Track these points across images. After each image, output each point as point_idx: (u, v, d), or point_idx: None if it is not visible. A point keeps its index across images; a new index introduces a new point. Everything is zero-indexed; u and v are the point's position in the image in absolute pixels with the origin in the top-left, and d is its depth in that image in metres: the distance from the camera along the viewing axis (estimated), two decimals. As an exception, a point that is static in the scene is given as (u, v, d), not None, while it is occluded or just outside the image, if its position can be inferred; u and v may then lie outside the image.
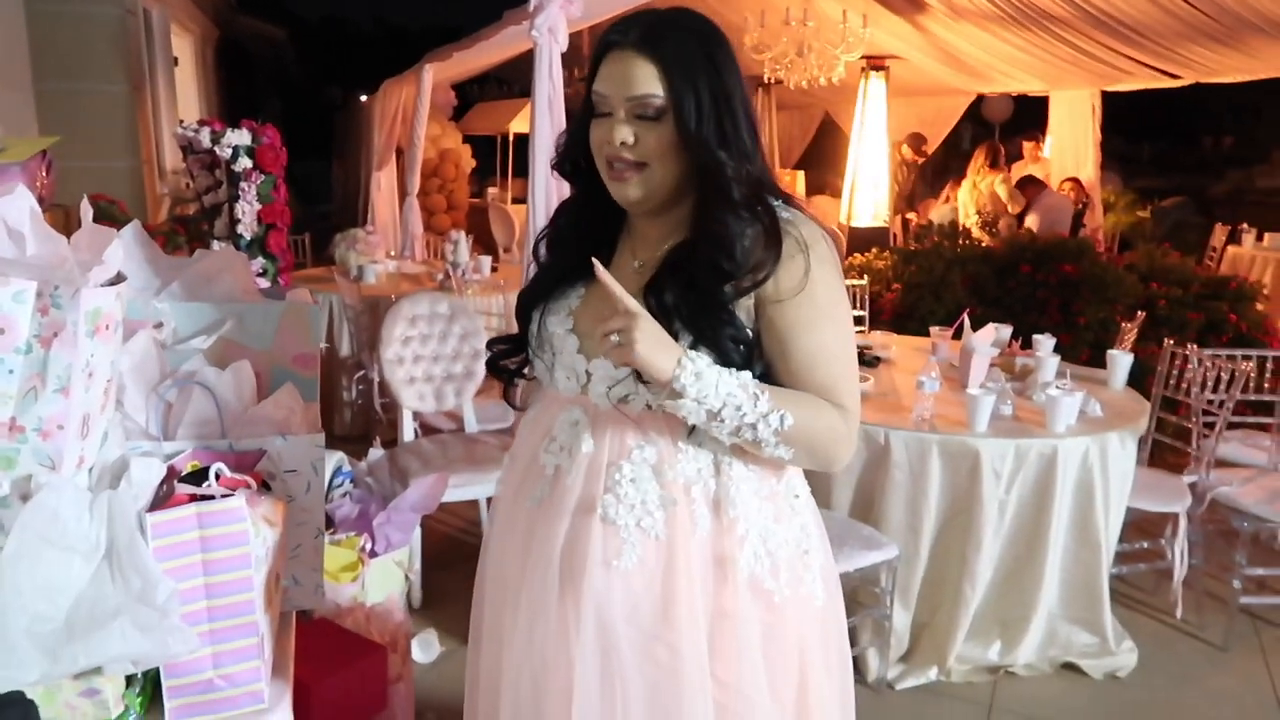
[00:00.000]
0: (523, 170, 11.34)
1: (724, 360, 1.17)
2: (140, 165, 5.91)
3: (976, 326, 3.20)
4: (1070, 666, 2.79)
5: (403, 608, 2.35)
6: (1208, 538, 3.20)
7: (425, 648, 2.70)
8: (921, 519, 2.68)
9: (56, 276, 1.09)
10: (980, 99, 9.49)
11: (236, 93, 12.15)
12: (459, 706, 2.61)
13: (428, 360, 3.27)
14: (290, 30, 15.95)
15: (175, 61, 7.61)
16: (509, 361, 1.39)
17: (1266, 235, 7.86)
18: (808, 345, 1.19)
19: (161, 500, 1.25)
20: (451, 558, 3.43)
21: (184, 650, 1.12)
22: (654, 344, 1.12)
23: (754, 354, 1.20)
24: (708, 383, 1.13)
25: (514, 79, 15.14)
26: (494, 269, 5.39)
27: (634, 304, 1.13)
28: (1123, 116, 8.38)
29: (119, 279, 1.20)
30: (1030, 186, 7.24)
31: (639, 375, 1.19)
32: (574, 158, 1.29)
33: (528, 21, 3.45)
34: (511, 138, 10.49)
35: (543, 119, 3.45)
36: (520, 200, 10.54)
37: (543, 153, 3.47)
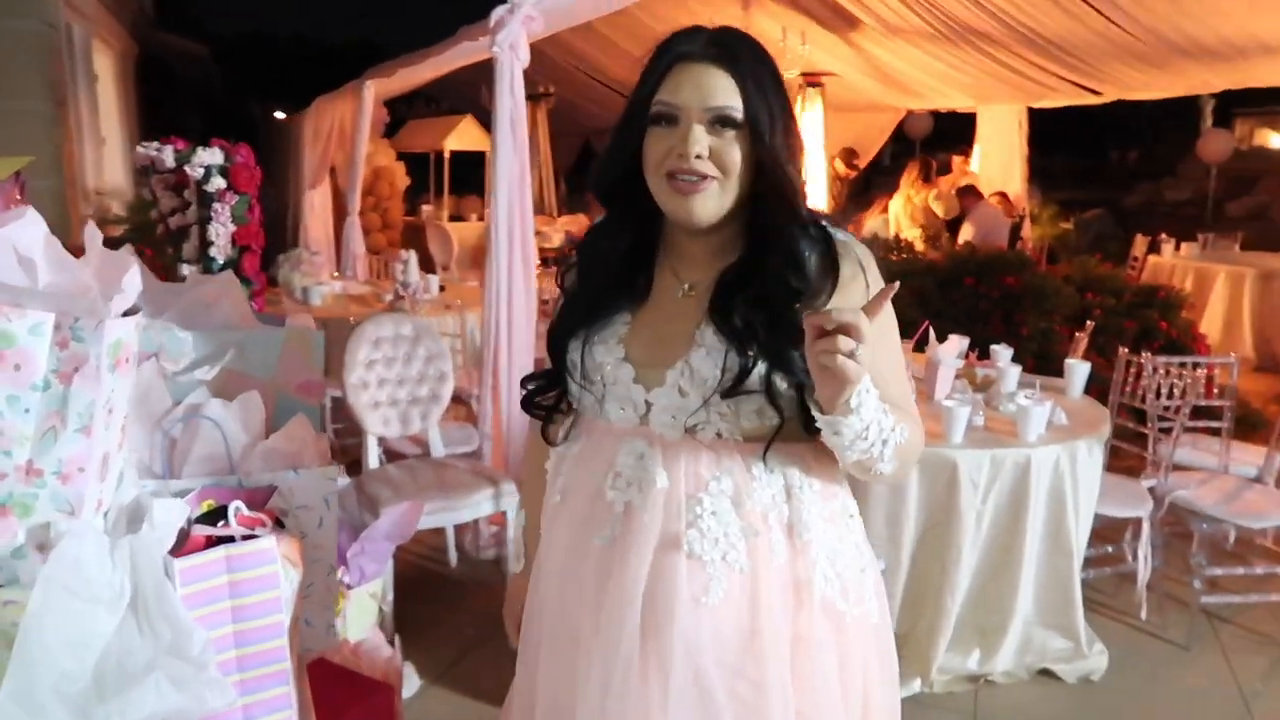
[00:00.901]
0: (462, 187, 11.24)
1: (799, 383, 1.16)
2: (63, 186, 5.65)
3: (924, 338, 3.26)
4: (1046, 672, 2.84)
5: (389, 643, 2.27)
6: (1166, 540, 3.30)
7: (406, 682, 2.61)
8: (902, 531, 2.71)
9: (78, 307, 1.02)
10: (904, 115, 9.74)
11: (157, 110, 11.76)
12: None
13: (393, 384, 3.18)
14: (212, 46, 15.51)
15: (94, 79, 7.32)
16: (545, 398, 1.34)
17: (1184, 245, 8.21)
18: (878, 366, 1.18)
19: (179, 544, 1.18)
20: (419, 587, 3.33)
21: (222, 704, 1.05)
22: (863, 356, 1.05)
23: None
24: (869, 403, 1.09)
25: (442, 96, 14.99)
26: (442, 288, 5.29)
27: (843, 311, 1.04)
28: (1038, 131, 8.67)
29: (134, 309, 1.13)
30: (969, 196, 7.43)
31: (707, 404, 1.16)
32: (616, 175, 1.26)
33: (487, 38, 3.40)
34: (447, 155, 10.35)
35: (504, 136, 3.40)
36: (456, 218, 10.42)
37: (504, 170, 3.43)
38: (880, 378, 1.19)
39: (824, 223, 1.22)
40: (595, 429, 1.27)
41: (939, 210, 7.92)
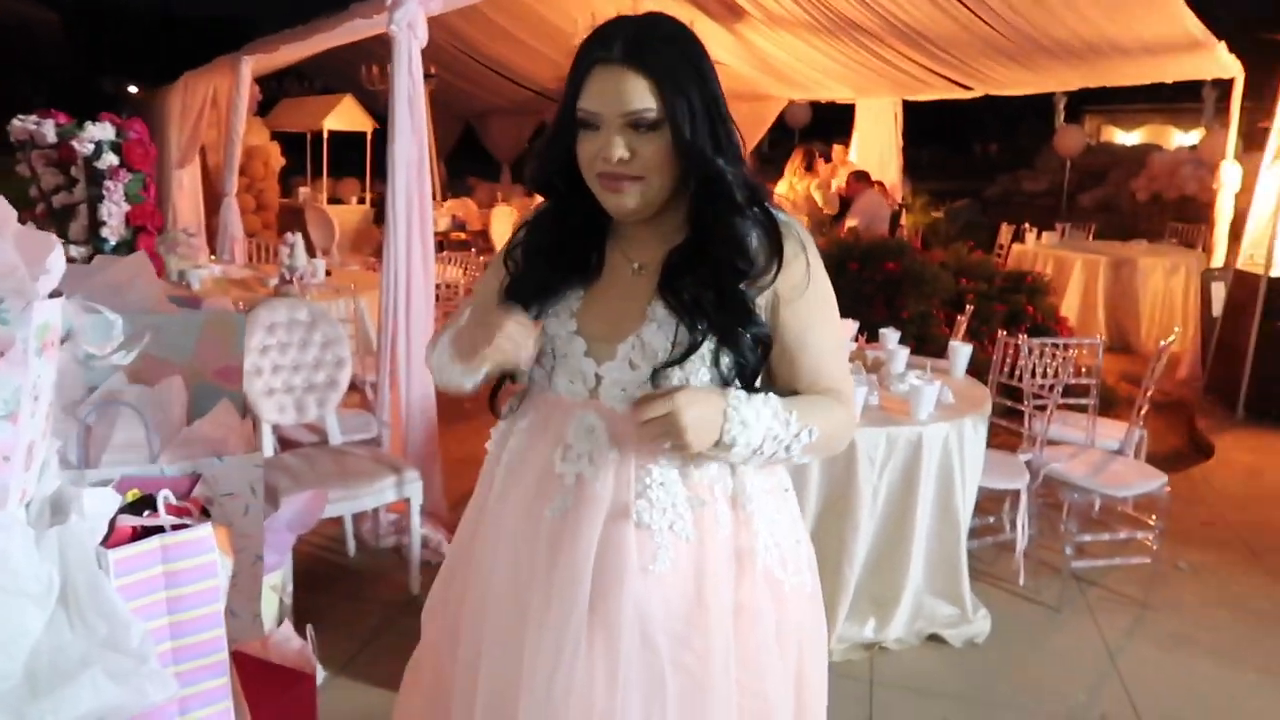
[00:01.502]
0: (340, 169, 10.89)
1: (743, 359, 1.20)
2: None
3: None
4: (935, 637, 3.00)
5: (299, 634, 2.21)
6: (1039, 510, 3.52)
7: (313, 674, 2.55)
8: (804, 507, 2.79)
9: (4, 287, 0.97)
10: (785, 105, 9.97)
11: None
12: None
13: (288, 370, 3.08)
14: (62, 15, 14.52)
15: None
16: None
17: (1044, 234, 8.72)
18: (818, 342, 1.24)
19: (105, 537, 1.13)
20: (318, 579, 3.25)
21: (164, 697, 1.02)
22: (700, 420, 1.13)
23: (769, 353, 1.24)
24: (752, 426, 1.16)
25: (315, 74, 14.47)
26: (328, 272, 5.13)
27: (659, 397, 1.14)
28: (907, 124, 9.03)
29: (57, 291, 1.07)
30: (860, 183, 7.67)
31: (655, 376, 1.19)
32: (554, 172, 1.27)
33: (383, 15, 3.32)
34: (325, 135, 10.01)
35: (402, 116, 3.33)
36: (336, 201, 10.11)
37: (403, 152, 3.35)
38: (813, 360, 1.25)
39: (767, 205, 1.26)
40: (544, 403, 1.28)
41: (819, 200, 8.16)
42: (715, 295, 1.20)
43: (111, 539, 1.13)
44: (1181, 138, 16.49)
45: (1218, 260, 6.25)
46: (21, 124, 2.75)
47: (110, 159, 2.67)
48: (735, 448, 1.17)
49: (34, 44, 13.75)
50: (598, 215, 1.29)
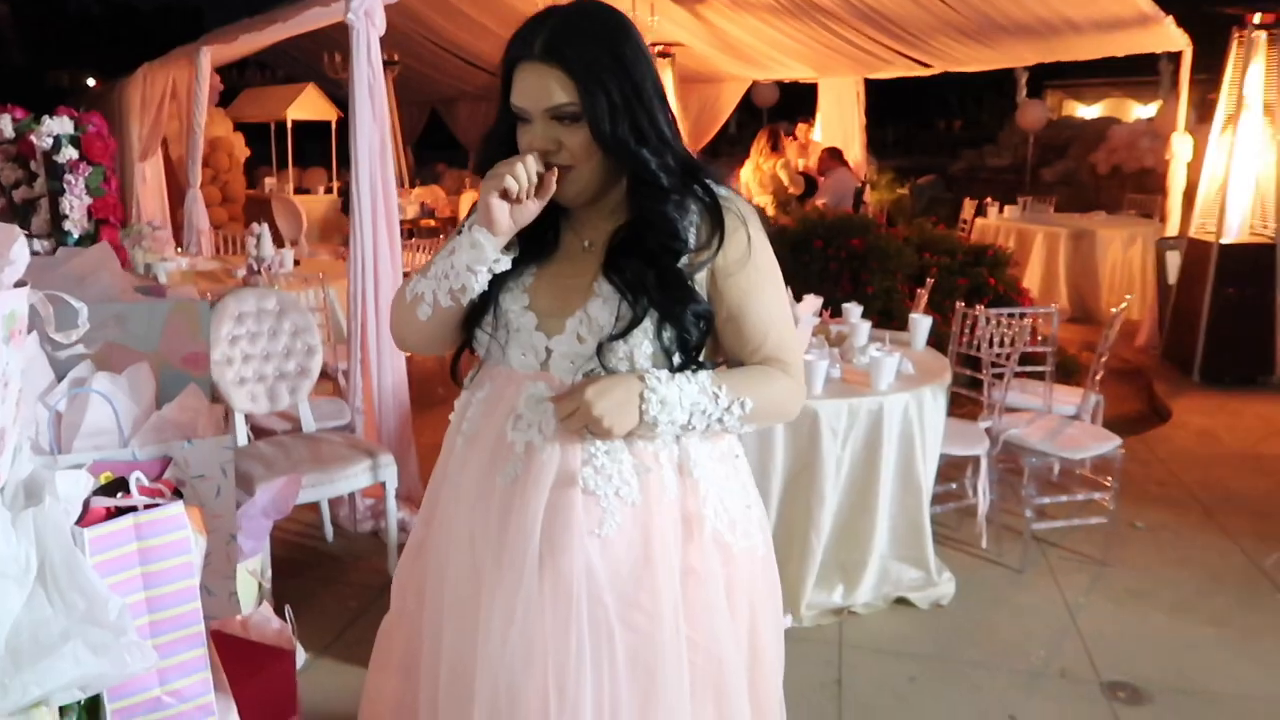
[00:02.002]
0: (305, 159, 10.81)
1: (684, 333, 1.25)
2: None
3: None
4: (902, 600, 3.08)
5: (279, 616, 2.25)
6: (1000, 475, 3.62)
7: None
8: (770, 479, 2.87)
9: (-31, 278, 1.00)
10: (750, 86, 10.01)
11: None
12: (335, 713, 2.54)
13: (258, 359, 3.10)
14: (12, 8, 14.25)
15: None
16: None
17: (1006, 208, 8.84)
18: (759, 312, 1.30)
19: (80, 518, 1.17)
20: (297, 565, 3.29)
21: (142, 667, 1.06)
22: (615, 407, 1.21)
23: (711, 326, 1.29)
24: (673, 404, 1.22)
25: (277, 63, 14.32)
26: (297, 262, 5.13)
27: (570, 394, 1.23)
28: (870, 102, 9.10)
29: (22, 281, 1.10)
30: (832, 160, 7.73)
31: (601, 350, 1.24)
32: (499, 160, 1.31)
33: (340, 4, 3.33)
34: (289, 125, 9.93)
35: (363, 105, 3.34)
36: (302, 190, 10.04)
37: (364, 140, 3.37)
38: (756, 330, 1.31)
39: (708, 180, 1.31)
40: (498, 375, 1.33)
41: (784, 179, 8.22)
42: (655, 274, 1.25)
43: (86, 519, 1.16)
44: (1140, 110, 16.70)
45: (1172, 229, 6.38)
46: (-22, 118, 2.75)
47: (70, 153, 2.67)
48: (659, 426, 1.23)
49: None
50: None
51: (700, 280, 1.28)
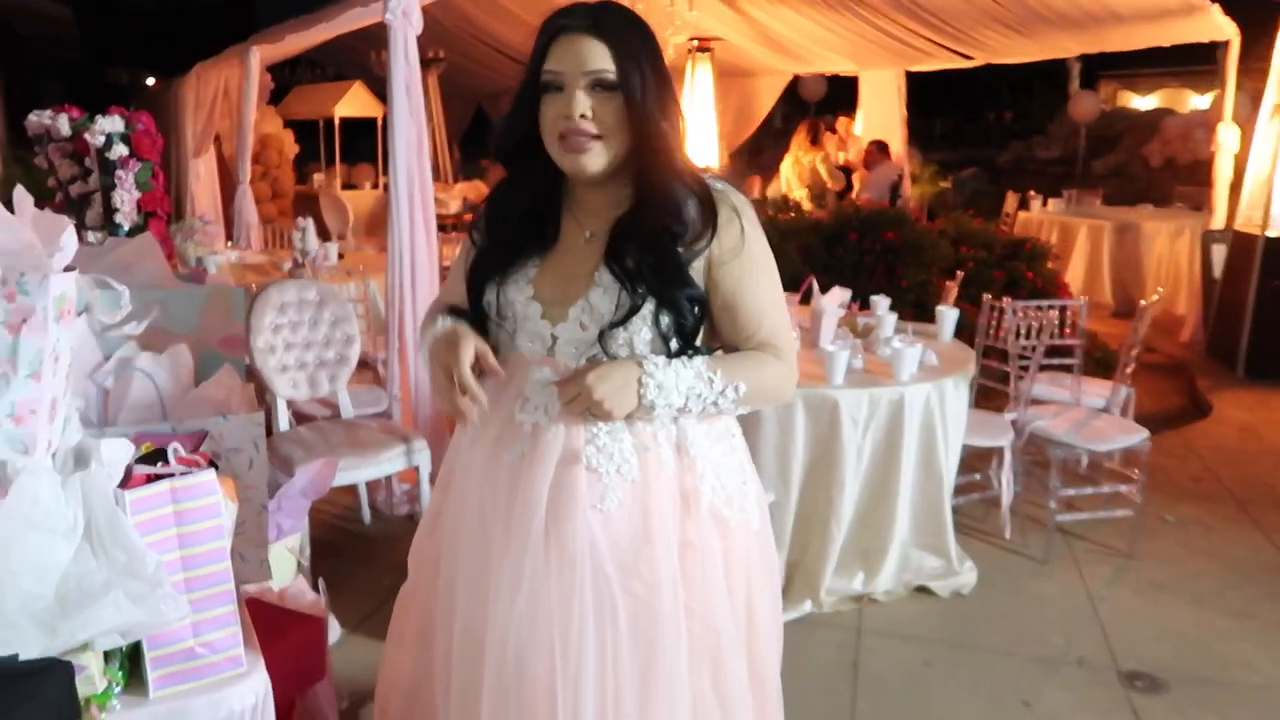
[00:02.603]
0: (353, 155, 11.03)
1: (681, 319, 1.33)
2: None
3: (809, 292, 3.51)
4: (922, 589, 3.12)
5: (313, 589, 2.37)
6: (1026, 467, 3.63)
7: (330, 629, 2.71)
8: (790, 466, 2.93)
9: (23, 262, 1.11)
10: (796, 79, 10.00)
11: (16, 78, 11.17)
12: (367, 685, 2.65)
13: (299, 348, 3.23)
14: (74, 8, 14.71)
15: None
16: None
17: (1050, 201, 8.74)
18: (753, 300, 1.37)
19: (124, 480, 1.28)
20: (335, 546, 3.42)
21: (176, 617, 1.17)
22: (614, 391, 1.29)
23: (706, 313, 1.37)
24: (669, 388, 1.31)
25: (328, 61, 14.60)
26: (340, 256, 5.29)
27: (573, 379, 1.31)
28: (916, 95, 9.05)
29: (72, 266, 1.21)
30: (877, 153, 7.72)
31: (602, 336, 1.33)
32: (515, 140, 1.40)
33: (379, 4, 3.45)
34: (338, 121, 10.15)
35: (400, 101, 3.46)
36: (349, 186, 10.25)
37: (401, 136, 3.49)
38: (749, 317, 1.39)
39: (705, 175, 1.39)
40: (508, 361, 1.42)
41: (824, 174, 8.23)
42: (654, 259, 1.32)
43: (128, 484, 1.28)
44: (1198, 101, 16.31)
45: (1218, 222, 6.28)
46: (38, 119, 2.90)
47: (120, 149, 2.82)
48: (656, 409, 1.32)
49: (49, 39, 13.97)
50: (554, 186, 1.41)
51: (697, 269, 1.36)
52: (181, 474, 1.30)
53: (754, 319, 1.39)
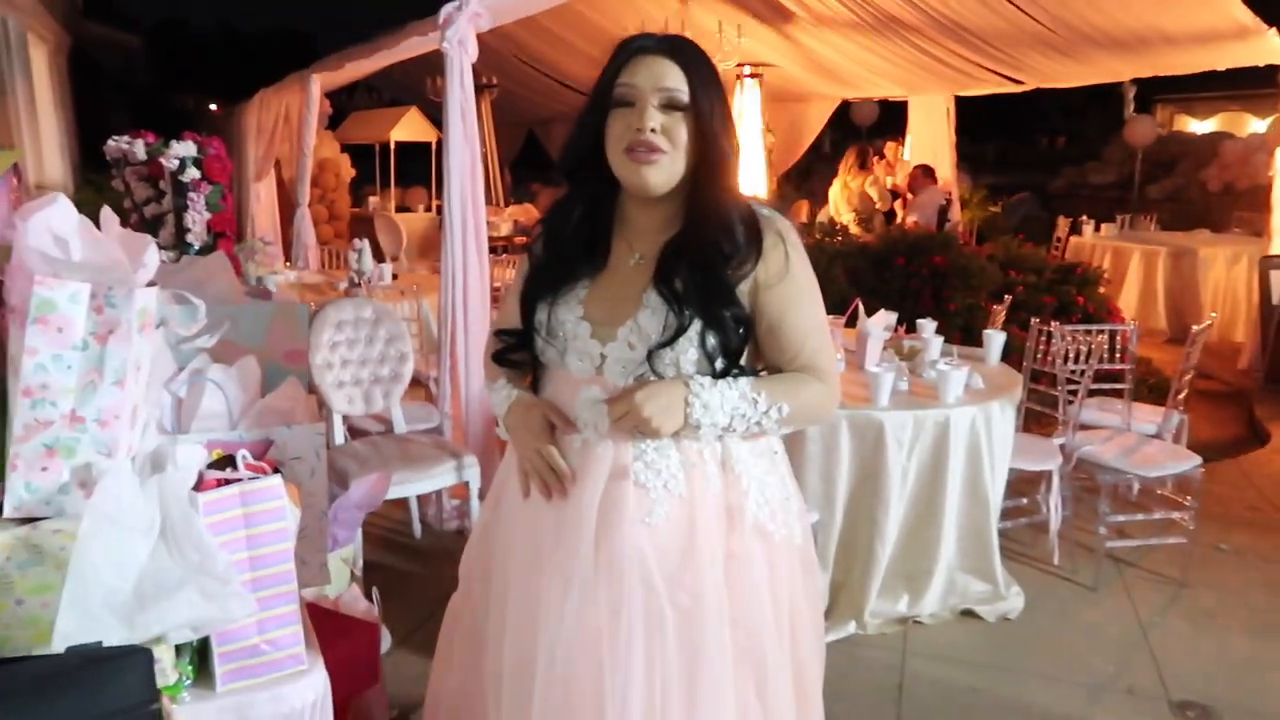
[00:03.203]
0: (407, 179, 11.28)
1: (726, 339, 1.37)
2: (5, 180, 5.64)
3: (854, 315, 3.54)
4: (968, 612, 3.11)
5: (366, 598, 2.44)
6: (1075, 492, 3.60)
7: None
8: (835, 487, 2.94)
9: (111, 277, 1.19)
10: (846, 104, 10.03)
11: (89, 103, 11.61)
12: (415, 696, 2.71)
13: (355, 364, 3.33)
14: (143, 38, 15.28)
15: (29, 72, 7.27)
16: (516, 355, 1.53)
17: (1102, 226, 8.64)
18: (796, 323, 1.42)
19: (195, 486, 1.35)
20: (385, 557, 3.50)
21: (244, 614, 1.23)
22: (662, 410, 1.34)
23: (750, 333, 1.42)
24: (715, 408, 1.35)
25: (384, 86, 14.96)
26: (394, 276, 5.42)
27: (622, 397, 1.36)
28: (968, 119, 9.02)
29: (153, 281, 1.30)
30: (923, 178, 7.71)
31: (650, 356, 1.38)
32: (579, 155, 1.46)
33: (436, 33, 3.56)
34: (393, 146, 10.40)
35: (455, 127, 3.56)
36: (403, 209, 10.47)
37: (456, 160, 3.59)
38: (792, 340, 1.43)
39: (751, 201, 1.44)
40: (557, 378, 1.48)
41: (874, 196, 8.23)
42: (702, 278, 1.37)
43: (200, 487, 1.35)
44: (1258, 125, 15.98)
45: (1277, 247, 6.16)
46: (116, 144, 3.06)
47: (193, 173, 2.96)
48: (702, 428, 1.36)
49: (119, 65, 14.51)
50: (609, 206, 1.47)
51: (742, 293, 1.41)
52: (249, 479, 1.37)
53: (797, 341, 1.43)
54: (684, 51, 1.40)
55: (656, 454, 1.40)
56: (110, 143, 3.12)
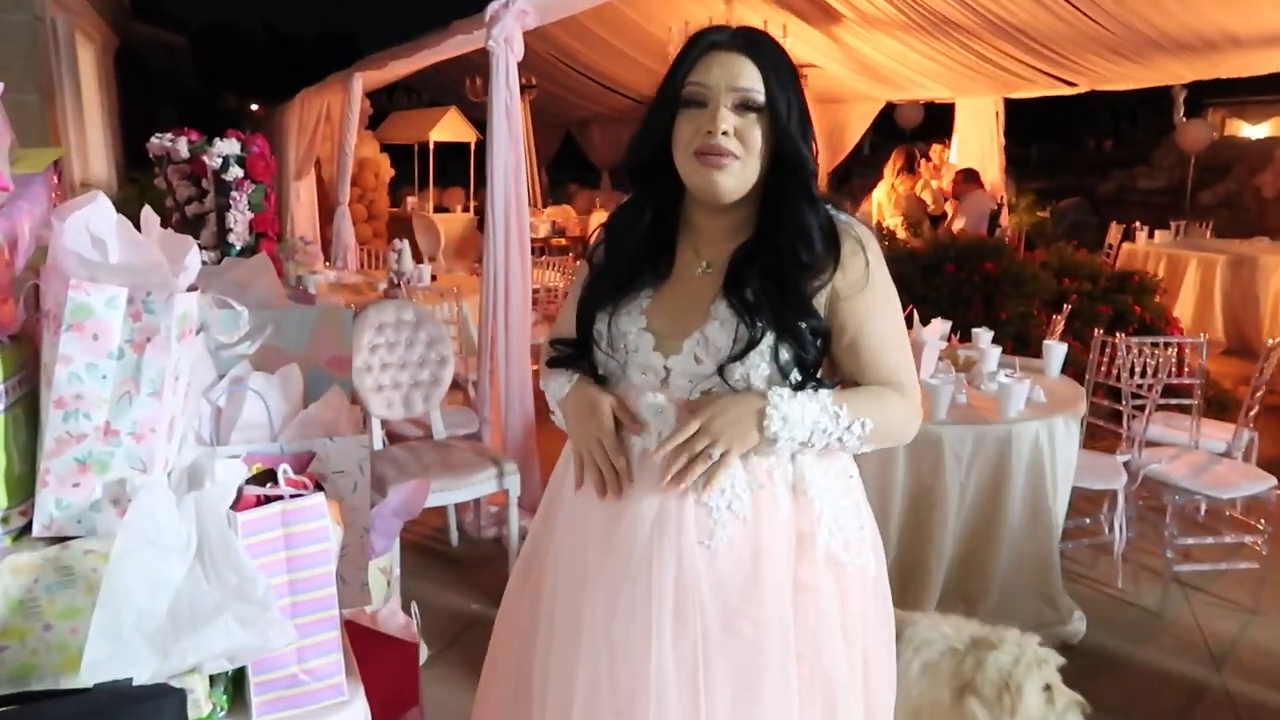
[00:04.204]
0: (445, 179, 11.29)
1: (802, 352, 1.27)
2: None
3: (909, 323, 3.40)
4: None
5: (404, 611, 2.36)
6: (1140, 513, 3.44)
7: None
8: (891, 504, 2.83)
9: (150, 281, 1.11)
10: (891, 106, 9.86)
11: (134, 102, 11.75)
12: (453, 707, 2.63)
13: (395, 368, 3.27)
14: (189, 37, 15.45)
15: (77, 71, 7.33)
16: (574, 367, 1.44)
17: (1157, 232, 8.40)
18: (877, 336, 1.31)
19: (234, 503, 1.27)
20: (423, 567, 3.43)
21: (283, 643, 1.15)
22: (732, 425, 1.25)
23: (828, 346, 1.31)
24: (795, 421, 1.25)
25: (423, 87, 15.01)
26: (433, 277, 5.37)
27: (690, 422, 1.27)
28: (1012, 121, 8.83)
29: (194, 285, 1.22)
30: (969, 183, 7.55)
31: (721, 370, 1.28)
32: (645, 157, 1.36)
33: (482, 31, 3.49)
34: (432, 146, 10.39)
35: (500, 126, 3.49)
36: (441, 209, 10.46)
37: (500, 160, 3.52)
38: (872, 353, 1.32)
39: (829, 207, 1.34)
40: (619, 392, 1.38)
41: (928, 199, 8.06)
42: (776, 288, 1.27)
43: (239, 505, 1.27)
44: (1315, 129, 15.55)
45: (1344, 257, 5.93)
46: (158, 141, 3.01)
47: (236, 172, 2.91)
48: (779, 442, 1.26)
49: (166, 66, 14.69)
50: (673, 214, 1.37)
51: (818, 304, 1.30)
52: (292, 496, 1.29)
53: (877, 355, 1.32)
54: (760, 47, 1.30)
55: (723, 472, 1.30)
56: (153, 140, 3.08)
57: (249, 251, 3.00)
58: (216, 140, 2.92)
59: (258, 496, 1.30)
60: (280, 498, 1.29)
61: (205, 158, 2.89)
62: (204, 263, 1.64)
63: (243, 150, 2.94)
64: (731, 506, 1.29)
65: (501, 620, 1.63)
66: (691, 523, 1.28)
